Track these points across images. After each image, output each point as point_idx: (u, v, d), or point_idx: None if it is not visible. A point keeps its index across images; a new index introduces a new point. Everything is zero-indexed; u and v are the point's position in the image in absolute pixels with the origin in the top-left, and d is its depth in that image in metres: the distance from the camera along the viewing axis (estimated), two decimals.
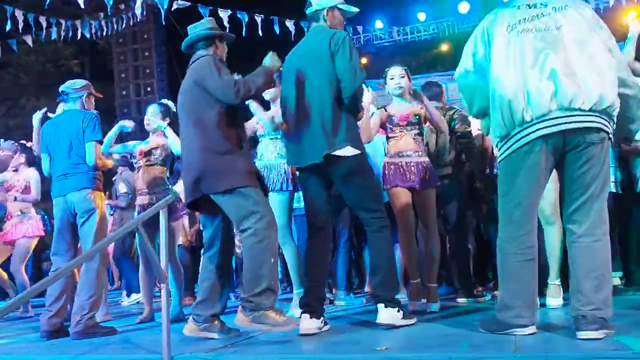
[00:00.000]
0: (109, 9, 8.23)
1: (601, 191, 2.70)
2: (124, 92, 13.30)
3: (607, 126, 2.67)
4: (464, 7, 13.89)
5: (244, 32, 9.05)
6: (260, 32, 9.17)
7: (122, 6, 10.96)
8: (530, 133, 2.67)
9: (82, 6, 7.14)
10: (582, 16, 2.75)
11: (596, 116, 2.63)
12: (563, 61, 2.63)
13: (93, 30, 9.89)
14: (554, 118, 2.62)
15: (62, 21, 9.46)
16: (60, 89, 4.37)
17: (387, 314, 3.27)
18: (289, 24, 9.13)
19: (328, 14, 3.55)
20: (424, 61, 15.41)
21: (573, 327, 2.65)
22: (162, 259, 2.88)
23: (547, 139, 2.66)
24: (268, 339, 3.27)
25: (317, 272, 3.47)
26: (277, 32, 9.17)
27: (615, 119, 2.71)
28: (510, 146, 2.75)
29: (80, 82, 4.42)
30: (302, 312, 3.34)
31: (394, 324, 3.27)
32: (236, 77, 3.34)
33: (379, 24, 14.44)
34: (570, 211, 2.75)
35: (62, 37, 10.19)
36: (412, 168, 4.13)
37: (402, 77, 4.30)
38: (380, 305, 3.30)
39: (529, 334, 2.73)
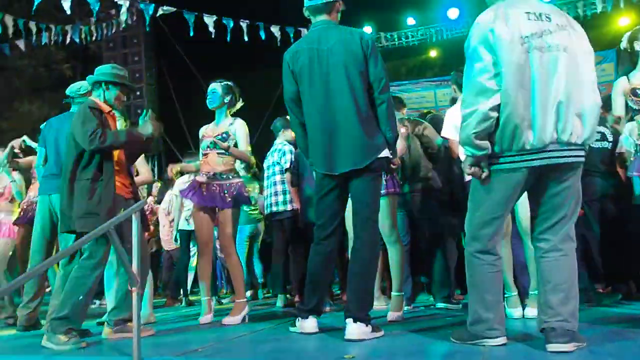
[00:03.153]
0: (94, 15, 8.27)
1: (573, 213, 2.75)
2: None
3: (584, 156, 2.73)
4: (453, 13, 13.98)
5: (228, 38, 9.11)
6: (245, 38, 9.22)
7: (113, 11, 10.99)
8: (523, 161, 2.66)
9: (69, 12, 7.19)
10: (580, 36, 2.73)
11: (583, 149, 2.70)
12: (567, 91, 2.61)
13: (83, 35, 9.97)
14: (550, 151, 2.63)
15: (52, 26, 9.54)
16: (66, 92, 4.56)
17: (356, 330, 3.19)
18: (274, 29, 9.19)
19: (340, 6, 3.51)
20: (413, 66, 15.49)
21: (542, 339, 2.66)
22: (134, 263, 2.95)
23: (531, 170, 2.68)
24: (239, 343, 3.36)
25: (325, 276, 3.53)
26: (263, 37, 9.22)
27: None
28: (496, 164, 2.72)
29: (85, 87, 4.49)
30: (309, 315, 3.45)
31: (364, 338, 3.18)
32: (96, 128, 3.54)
33: (367, 29, 14.50)
34: (541, 230, 2.78)
35: (52, 42, 10.27)
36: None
37: None
38: (349, 320, 3.22)
39: (500, 345, 2.74)
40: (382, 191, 4.12)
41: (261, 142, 7.68)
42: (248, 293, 6.78)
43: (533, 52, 2.62)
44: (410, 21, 14.34)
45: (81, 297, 3.47)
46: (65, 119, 4.45)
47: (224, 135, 4.57)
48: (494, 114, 2.63)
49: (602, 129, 5.11)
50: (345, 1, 3.57)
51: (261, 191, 6.97)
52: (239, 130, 4.61)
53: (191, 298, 7.24)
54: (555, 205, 2.73)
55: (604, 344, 2.75)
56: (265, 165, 6.05)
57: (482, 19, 2.71)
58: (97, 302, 7.04)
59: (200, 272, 4.71)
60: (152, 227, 7.57)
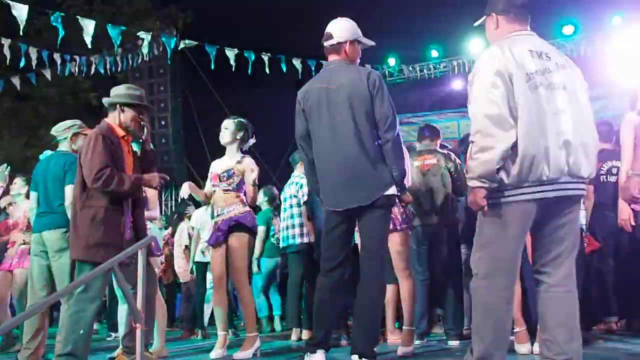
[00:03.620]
0: (115, 48, 8.48)
1: (575, 246, 2.73)
2: None
3: (584, 189, 2.75)
4: (475, 45, 13.99)
5: (249, 71, 9.23)
6: (267, 71, 9.35)
7: (140, 42, 11.21)
8: (539, 192, 2.62)
9: (90, 46, 7.37)
10: (578, 75, 2.78)
11: (587, 182, 2.72)
12: (573, 127, 2.63)
13: (108, 66, 10.20)
14: (563, 182, 2.63)
15: (77, 57, 9.78)
16: (51, 131, 4.51)
17: None
18: (296, 62, 9.31)
19: (350, 46, 3.55)
20: (436, 98, 15.49)
21: None
22: (139, 299, 2.95)
23: (547, 201, 2.65)
24: None
25: (332, 309, 3.51)
26: (284, 70, 9.34)
27: None
28: (510, 196, 2.64)
29: (65, 124, 4.50)
30: (316, 349, 3.42)
31: None
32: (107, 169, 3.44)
33: (391, 61, 14.57)
34: (543, 262, 2.74)
35: (78, 72, 10.52)
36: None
37: None
38: (355, 357, 3.25)
39: None
40: (396, 226, 4.12)
41: (283, 175, 7.69)
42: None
43: (540, 88, 2.63)
44: (434, 53, 14.37)
45: (82, 332, 3.39)
46: (51, 158, 4.45)
47: (229, 172, 4.58)
48: (512, 149, 2.60)
49: (616, 162, 5.05)
50: (369, 34, 3.62)
51: None
52: (248, 169, 4.59)
53: (210, 331, 7.20)
54: (557, 238, 2.70)
55: None
56: (282, 197, 6.04)
57: (490, 53, 2.71)
58: (113, 334, 7.02)
59: (215, 306, 4.69)
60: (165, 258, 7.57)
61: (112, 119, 3.74)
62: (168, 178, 4.07)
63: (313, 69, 9.03)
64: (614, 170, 5.10)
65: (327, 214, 3.55)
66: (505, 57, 2.65)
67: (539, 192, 2.61)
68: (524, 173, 2.58)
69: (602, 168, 5.03)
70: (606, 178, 5.14)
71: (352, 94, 3.37)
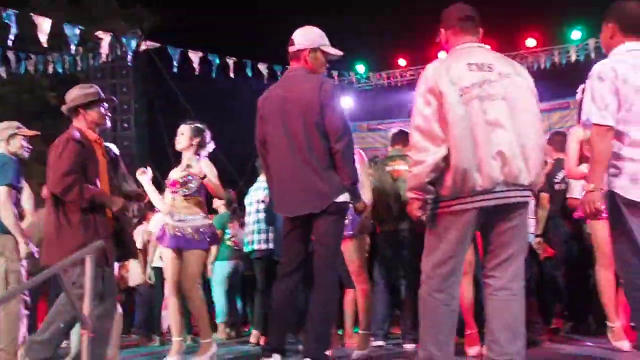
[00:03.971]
0: (73, 48, 8.28)
1: (522, 250, 2.81)
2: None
3: (530, 196, 2.80)
4: (443, 55, 14.17)
5: (214, 74, 9.14)
6: (232, 75, 9.25)
7: (103, 42, 11.01)
8: (474, 202, 2.71)
9: (45, 45, 7.18)
10: (525, 82, 2.82)
11: (530, 189, 2.76)
12: (509, 137, 2.69)
13: (67, 65, 9.96)
14: (498, 191, 2.69)
15: (33, 56, 9.53)
16: None
17: None
18: (262, 67, 9.25)
19: (310, 54, 3.50)
20: (405, 105, 15.63)
21: None
22: (86, 305, 2.85)
23: (482, 210, 2.73)
24: None
25: (288, 314, 3.52)
26: (250, 75, 9.26)
27: None
28: (449, 206, 2.76)
29: (1, 125, 4.34)
30: (272, 354, 3.40)
31: None
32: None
33: (360, 68, 14.67)
34: (490, 267, 2.82)
35: (36, 70, 10.25)
36: None
37: None
38: None
39: None
40: (349, 232, 4.11)
41: (250, 179, 7.62)
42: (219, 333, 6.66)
43: (474, 102, 2.71)
44: (402, 61, 14.52)
45: (62, 325, 3.32)
46: None
47: (188, 177, 4.52)
48: (443, 163, 2.72)
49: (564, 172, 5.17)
50: (339, 41, 3.65)
51: (241, 226, 6.90)
52: (206, 169, 4.55)
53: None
54: (502, 244, 2.77)
55: None
56: (246, 202, 5.99)
57: (429, 69, 2.83)
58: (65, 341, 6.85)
59: (169, 311, 4.64)
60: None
61: (78, 123, 3.63)
62: (135, 212, 3.99)
63: (279, 74, 8.99)
64: (560, 178, 5.23)
65: (284, 219, 3.57)
66: (439, 73, 2.76)
67: (474, 202, 2.70)
68: (458, 185, 2.69)
69: (556, 177, 5.12)
70: (561, 187, 5.27)
71: (305, 103, 3.37)
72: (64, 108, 3.70)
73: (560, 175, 5.17)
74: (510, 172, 2.67)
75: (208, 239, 4.53)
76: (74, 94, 3.67)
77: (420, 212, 2.84)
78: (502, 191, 2.69)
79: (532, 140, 2.73)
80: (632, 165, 2.89)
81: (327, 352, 3.35)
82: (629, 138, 2.91)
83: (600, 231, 3.92)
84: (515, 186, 2.70)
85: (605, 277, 3.96)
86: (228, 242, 6.95)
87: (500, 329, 2.72)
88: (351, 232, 4.25)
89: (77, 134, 3.51)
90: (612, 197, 2.94)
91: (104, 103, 3.72)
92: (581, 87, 4.17)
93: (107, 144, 4.69)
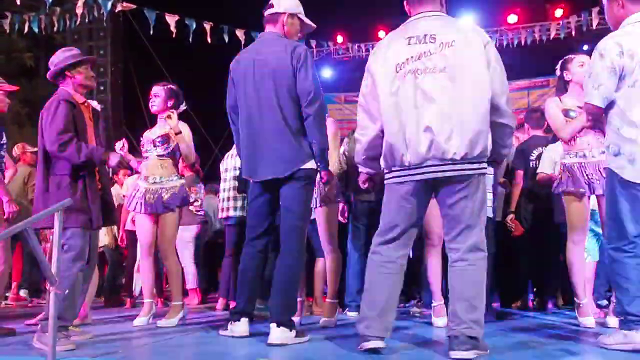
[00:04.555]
0: (47, 7, 8.10)
1: (476, 223, 2.81)
2: None
3: (478, 168, 2.79)
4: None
5: (190, 39, 9.02)
6: (208, 40, 9.14)
7: (79, 2, 10.78)
8: (407, 176, 2.82)
9: (18, 2, 7.01)
10: (469, 49, 2.77)
11: (468, 163, 2.75)
12: (440, 112, 2.72)
13: (43, 25, 9.76)
14: (428, 166, 2.76)
15: (9, 14, 9.31)
16: None
17: (279, 334, 3.24)
18: (239, 33, 9.15)
19: (288, 19, 3.51)
20: None
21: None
22: (54, 262, 2.87)
23: (419, 182, 2.82)
24: (164, 346, 3.34)
25: (255, 277, 3.55)
26: (226, 40, 9.14)
27: (489, 153, 2.82)
28: (388, 179, 2.92)
29: None
30: (240, 317, 3.44)
31: (286, 343, 3.23)
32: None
33: (339, 39, 14.59)
34: (449, 239, 2.88)
35: (13, 30, 10.02)
36: None
37: None
38: (273, 325, 3.27)
39: (372, 348, 2.79)
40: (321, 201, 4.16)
41: (226, 145, 7.58)
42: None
43: (407, 76, 2.79)
44: (381, 33, 14.43)
45: (67, 292, 3.30)
46: None
47: (164, 137, 4.54)
48: (380, 140, 2.90)
49: (540, 149, 5.23)
50: (319, 11, 3.59)
51: (216, 194, 6.89)
52: (183, 128, 4.56)
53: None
54: (454, 216, 2.82)
55: (507, 353, 2.88)
56: (222, 168, 5.98)
57: (376, 46, 3.00)
58: (35, 299, 6.87)
59: (141, 274, 4.71)
60: None
61: (66, 86, 3.61)
62: (133, 167, 3.98)
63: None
64: (533, 156, 5.29)
65: (251, 184, 3.59)
66: (375, 51, 2.93)
67: (406, 175, 2.82)
68: (389, 160, 2.85)
69: (532, 153, 5.18)
70: (536, 163, 5.29)
71: (277, 67, 3.38)
72: (49, 74, 3.69)
73: (535, 153, 5.19)
74: (439, 146, 2.71)
75: (180, 201, 4.55)
76: (58, 58, 3.67)
77: (365, 184, 3.12)
78: (433, 165, 2.75)
79: (467, 113, 2.72)
80: (631, 146, 2.90)
81: (293, 317, 3.38)
82: (630, 117, 2.91)
83: (572, 207, 3.96)
84: (445, 161, 2.72)
85: (575, 253, 4.00)
86: (191, 208, 6.91)
87: (457, 299, 2.77)
88: (324, 200, 4.27)
89: (65, 94, 3.54)
90: (610, 175, 2.99)
91: (89, 64, 3.73)
92: (560, 62, 4.21)
93: (90, 101, 4.67)
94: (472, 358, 2.66)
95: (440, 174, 2.75)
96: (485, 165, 2.82)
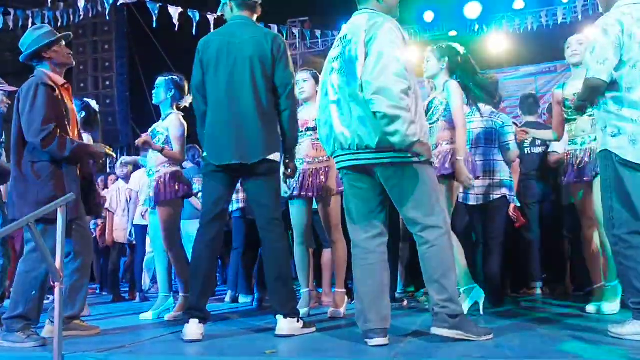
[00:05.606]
0: (49, 2, 8.08)
1: (416, 204, 2.84)
2: (82, 85, 13.05)
3: (387, 157, 2.81)
4: (428, 16, 14.02)
5: (194, 31, 8.96)
6: (212, 31, 9.04)
7: None
8: (337, 163, 3.05)
9: None
10: (360, 41, 2.78)
11: (368, 152, 2.83)
12: (337, 107, 2.90)
13: (46, 21, 9.74)
14: (339, 156, 2.98)
15: (12, 10, 9.30)
16: None
17: (286, 325, 3.24)
18: None
19: (257, 6, 3.50)
20: None
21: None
22: (58, 258, 2.86)
23: (350, 169, 2.95)
24: (161, 342, 3.34)
25: (207, 267, 3.37)
26: None
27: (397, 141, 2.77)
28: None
29: None
30: (189, 317, 3.22)
31: (293, 334, 3.23)
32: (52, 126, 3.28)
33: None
34: (408, 225, 2.95)
35: (18, 26, 10.02)
36: (309, 177, 4.20)
37: (305, 81, 4.33)
38: (280, 316, 3.26)
39: (376, 345, 2.79)
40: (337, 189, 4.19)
41: None
42: None
43: (331, 75, 2.98)
44: None
45: (34, 292, 3.29)
46: None
47: (154, 130, 4.53)
48: None
49: None
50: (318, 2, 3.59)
51: None
52: (171, 126, 4.49)
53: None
54: (396, 202, 2.91)
55: (515, 341, 2.85)
56: None
57: None
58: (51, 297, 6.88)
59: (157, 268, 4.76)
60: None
61: (43, 67, 3.49)
62: (114, 156, 3.95)
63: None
64: (537, 142, 5.27)
65: (210, 168, 3.42)
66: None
67: (337, 163, 3.03)
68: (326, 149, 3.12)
69: (525, 140, 5.14)
70: (530, 150, 5.34)
71: (255, 52, 3.32)
72: (24, 56, 3.54)
73: (529, 139, 5.16)
74: (337, 139, 2.90)
75: (176, 189, 4.42)
76: (31, 38, 3.52)
77: None
78: (340, 155, 2.95)
79: (353, 110, 2.81)
80: (632, 127, 2.84)
81: (295, 305, 3.36)
82: (630, 97, 2.86)
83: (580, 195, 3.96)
84: (348, 151, 2.88)
85: (589, 238, 3.98)
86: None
87: (428, 282, 2.85)
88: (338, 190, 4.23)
89: (43, 76, 3.42)
90: (608, 157, 2.91)
91: (62, 40, 3.60)
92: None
93: (89, 100, 4.66)
94: (453, 337, 2.77)
95: (347, 163, 2.92)
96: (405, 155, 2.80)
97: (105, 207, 6.89)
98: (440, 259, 2.82)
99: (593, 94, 2.97)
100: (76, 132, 3.60)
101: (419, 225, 2.85)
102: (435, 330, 2.81)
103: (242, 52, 3.32)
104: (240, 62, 3.31)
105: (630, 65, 2.86)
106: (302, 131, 4.16)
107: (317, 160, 4.25)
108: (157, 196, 4.42)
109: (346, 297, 4.40)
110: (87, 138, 4.33)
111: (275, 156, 3.36)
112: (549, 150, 5.04)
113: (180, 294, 4.53)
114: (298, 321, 3.28)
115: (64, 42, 3.62)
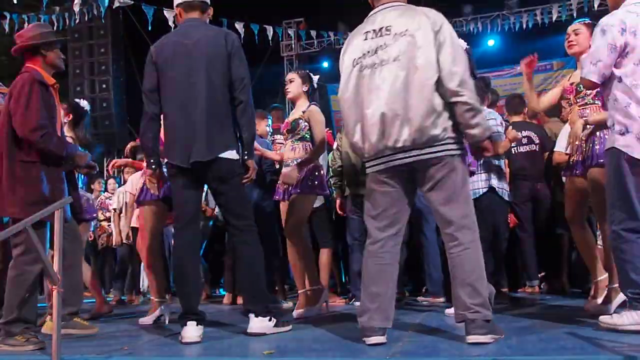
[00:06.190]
0: (44, 6, 8.07)
1: (460, 204, 2.81)
2: (78, 89, 12.97)
3: (440, 151, 2.77)
4: None
5: None
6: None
7: (76, 0, 10.72)
8: (372, 166, 2.93)
9: (15, 1, 6.99)
10: (419, 32, 2.76)
11: (418, 149, 2.76)
12: (391, 101, 2.75)
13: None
14: (384, 156, 2.84)
15: (7, 14, 9.29)
16: None
17: (257, 324, 3.29)
18: (238, 26, 9.09)
19: (209, 8, 3.55)
20: None
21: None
22: (56, 260, 2.86)
23: (388, 171, 2.87)
24: (160, 344, 3.35)
25: (190, 270, 3.37)
26: None
27: (451, 136, 2.79)
28: (368, 167, 2.98)
29: None
30: (186, 320, 3.21)
31: (264, 332, 3.28)
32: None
33: (340, 28, 14.49)
34: (441, 227, 2.90)
35: (13, 30, 10.00)
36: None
37: (292, 81, 4.38)
38: (251, 315, 3.32)
39: (374, 344, 2.78)
40: (297, 190, 4.21)
41: None
42: None
43: (364, 71, 2.86)
44: None
45: (27, 295, 3.29)
46: None
47: None
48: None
49: (525, 133, 5.24)
50: (314, 1, 3.61)
51: None
52: None
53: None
54: (432, 202, 2.87)
55: (513, 338, 2.85)
56: None
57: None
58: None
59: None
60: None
61: (34, 64, 3.47)
62: (96, 170, 3.95)
63: (256, 33, 8.83)
64: (524, 140, 5.29)
65: (173, 171, 3.41)
66: (343, 48, 3.00)
67: (372, 166, 2.92)
68: (358, 152, 3.01)
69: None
70: (517, 149, 5.34)
71: (209, 50, 3.33)
72: (19, 47, 3.52)
73: None
74: (390, 136, 2.76)
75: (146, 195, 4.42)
76: (33, 32, 3.53)
77: None
78: (390, 155, 2.82)
79: (416, 99, 2.71)
80: None
81: (267, 305, 3.40)
82: (637, 95, 2.87)
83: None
84: (397, 149, 2.78)
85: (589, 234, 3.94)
86: None
87: (459, 285, 2.77)
88: (298, 191, 4.25)
89: (37, 74, 3.41)
90: (614, 155, 2.91)
91: (60, 44, 3.63)
92: None
93: (80, 100, 4.64)
94: (489, 342, 2.66)
95: (397, 162, 2.82)
96: (451, 147, 2.78)
97: (113, 207, 6.94)
98: (475, 261, 2.77)
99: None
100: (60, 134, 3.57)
101: (454, 225, 2.79)
102: (472, 339, 2.68)
103: (196, 51, 3.33)
104: (195, 62, 3.32)
105: (635, 63, 2.88)
106: (285, 133, 4.27)
107: (295, 163, 4.28)
108: (141, 195, 4.46)
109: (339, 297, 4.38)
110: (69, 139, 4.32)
111: (231, 154, 3.33)
112: (555, 149, 4.94)
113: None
114: (270, 320, 3.33)
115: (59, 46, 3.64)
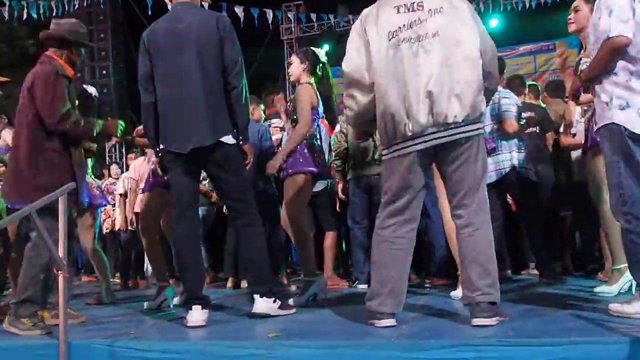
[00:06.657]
0: None
1: (478, 185, 2.80)
2: (79, 74, 12.91)
3: (477, 129, 2.77)
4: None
5: None
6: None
7: None
8: (408, 147, 2.78)
9: None
10: (457, 14, 2.77)
11: (467, 125, 2.73)
12: (438, 76, 2.70)
13: (42, 11, 9.68)
14: (429, 134, 2.74)
15: (6, 1, 9.23)
16: None
17: (262, 304, 3.32)
18: (238, 10, 9.02)
19: None
20: None
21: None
22: (61, 247, 2.88)
23: (421, 152, 2.79)
24: (166, 328, 3.38)
25: (192, 255, 3.38)
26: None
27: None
28: (389, 153, 2.88)
29: None
30: (191, 304, 3.21)
31: (269, 313, 3.31)
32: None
33: (340, 11, 14.40)
34: (452, 207, 2.87)
35: (13, 17, 9.97)
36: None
37: (290, 64, 4.25)
38: (256, 296, 3.35)
39: (387, 326, 2.78)
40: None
41: None
42: None
43: (402, 44, 2.77)
44: None
45: (42, 276, 3.33)
46: None
47: None
48: (371, 112, 2.87)
49: (528, 114, 5.20)
50: None
51: None
52: None
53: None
54: (455, 182, 2.82)
55: (517, 321, 2.82)
56: None
57: (361, 16, 2.92)
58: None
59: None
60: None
61: (55, 55, 3.50)
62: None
63: (256, 17, 8.76)
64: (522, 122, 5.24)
65: (170, 157, 3.39)
66: (368, 20, 2.86)
67: (408, 147, 2.77)
68: (389, 133, 2.81)
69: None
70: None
71: (201, 34, 3.28)
72: (51, 34, 3.55)
73: None
74: (440, 112, 2.69)
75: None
76: (73, 27, 3.60)
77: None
78: (434, 132, 2.72)
79: (464, 75, 2.70)
80: None
81: (271, 286, 3.43)
82: (639, 67, 2.77)
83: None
84: (448, 125, 2.71)
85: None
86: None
87: (469, 265, 2.76)
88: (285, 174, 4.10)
89: (60, 66, 3.45)
90: (616, 131, 2.77)
91: (87, 48, 3.75)
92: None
93: (87, 86, 4.67)
94: (493, 325, 2.66)
95: (444, 139, 2.73)
96: (482, 126, 2.82)
97: (119, 192, 6.98)
98: (487, 242, 2.77)
99: (614, 56, 2.78)
100: None
101: (473, 206, 2.77)
102: (478, 322, 2.67)
103: (188, 35, 3.28)
104: (187, 47, 3.27)
105: (638, 34, 2.74)
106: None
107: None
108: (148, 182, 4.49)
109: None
110: None
111: (229, 139, 3.31)
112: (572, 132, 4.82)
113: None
114: (275, 301, 3.35)
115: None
